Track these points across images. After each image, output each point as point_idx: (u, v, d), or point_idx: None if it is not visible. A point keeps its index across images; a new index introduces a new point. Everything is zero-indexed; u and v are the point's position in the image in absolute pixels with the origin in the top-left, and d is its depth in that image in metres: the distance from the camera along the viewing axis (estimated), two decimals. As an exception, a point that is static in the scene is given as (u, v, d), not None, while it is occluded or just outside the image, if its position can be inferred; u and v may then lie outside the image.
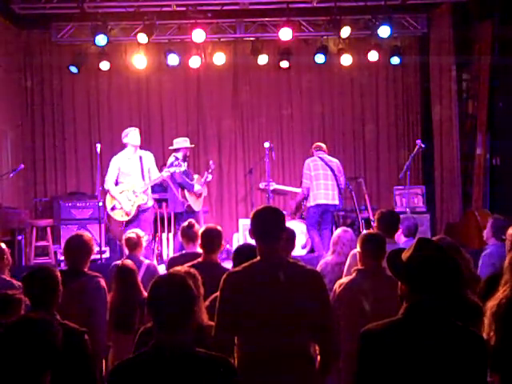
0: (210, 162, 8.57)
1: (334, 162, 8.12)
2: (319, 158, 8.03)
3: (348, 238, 4.98)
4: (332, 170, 7.95)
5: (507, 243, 4.05)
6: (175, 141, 8.14)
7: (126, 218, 7.40)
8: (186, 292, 2.33)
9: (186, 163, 8.07)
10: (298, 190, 8.67)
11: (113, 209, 7.42)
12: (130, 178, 7.42)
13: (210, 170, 8.35)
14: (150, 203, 7.56)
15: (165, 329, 2.30)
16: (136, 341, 2.98)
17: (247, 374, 2.75)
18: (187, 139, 8.24)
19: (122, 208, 7.36)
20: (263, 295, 2.79)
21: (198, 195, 8.06)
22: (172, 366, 2.25)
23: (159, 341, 2.30)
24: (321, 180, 7.87)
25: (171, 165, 7.74)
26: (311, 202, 7.93)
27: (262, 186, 8.72)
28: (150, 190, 7.57)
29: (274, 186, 8.68)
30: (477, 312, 2.86)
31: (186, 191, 7.88)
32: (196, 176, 8.25)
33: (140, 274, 4.79)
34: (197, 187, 7.97)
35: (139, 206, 7.35)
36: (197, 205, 8.02)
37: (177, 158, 7.92)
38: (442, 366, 2.14)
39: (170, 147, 8.17)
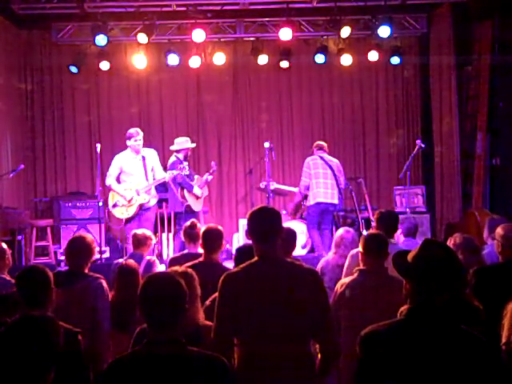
0: (212, 163, 8.53)
1: (334, 161, 8.11)
2: (319, 156, 8.02)
3: (350, 240, 4.98)
4: (332, 170, 7.94)
5: (496, 243, 4.06)
6: (176, 141, 8.13)
7: (126, 216, 7.42)
8: (174, 290, 2.35)
9: (187, 163, 8.07)
10: (296, 189, 8.65)
11: (114, 206, 7.44)
12: (132, 177, 7.45)
13: (211, 171, 8.31)
14: (153, 202, 7.56)
15: (155, 327, 2.33)
16: (132, 341, 2.99)
17: (247, 374, 2.76)
18: (188, 139, 8.22)
19: (123, 205, 7.37)
20: (261, 295, 2.80)
21: (198, 196, 8.04)
22: (164, 363, 2.27)
23: (151, 339, 2.32)
24: (320, 179, 7.85)
25: (173, 167, 7.71)
26: (311, 201, 7.90)
27: (262, 185, 8.71)
28: (153, 190, 7.58)
29: (274, 185, 8.66)
30: (477, 314, 2.86)
31: (185, 191, 7.89)
32: (196, 176, 8.22)
33: (140, 270, 4.81)
34: (196, 190, 7.91)
35: (141, 205, 7.36)
36: (196, 205, 8.00)
37: (178, 159, 7.92)
38: (443, 369, 2.14)
39: (171, 147, 8.16)
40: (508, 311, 2.67)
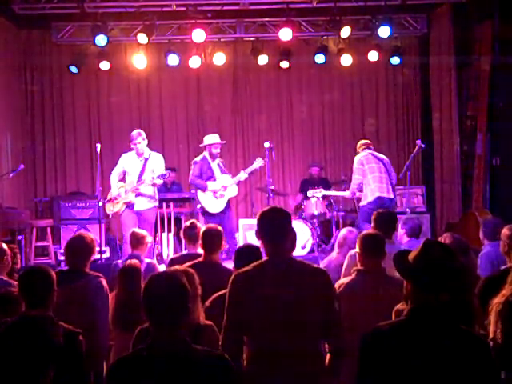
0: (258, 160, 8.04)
1: (384, 157, 7.75)
2: (369, 153, 7.64)
3: (353, 239, 4.95)
4: (384, 164, 7.55)
5: (502, 244, 4.06)
6: (204, 138, 8.01)
7: (111, 211, 7.48)
8: (178, 289, 2.35)
9: (215, 160, 7.85)
10: (346, 193, 7.94)
11: (108, 201, 7.52)
12: (129, 177, 7.48)
13: (249, 170, 7.98)
14: (148, 205, 7.45)
15: (159, 326, 2.32)
16: (133, 339, 2.99)
17: (256, 372, 2.77)
18: (216, 136, 8.00)
19: (111, 200, 7.42)
20: (272, 295, 2.79)
21: (219, 196, 7.72)
22: (168, 362, 2.26)
23: (155, 338, 2.32)
24: (376, 173, 7.42)
25: (195, 164, 7.75)
26: (368, 198, 7.33)
27: (310, 194, 8.34)
28: (151, 192, 7.48)
29: (322, 192, 8.23)
30: (478, 315, 2.86)
31: (198, 191, 7.75)
32: (225, 176, 7.85)
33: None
34: (212, 186, 7.68)
35: (127, 204, 7.35)
36: (213, 206, 7.70)
37: (204, 157, 7.83)
38: (444, 369, 2.14)
39: (200, 145, 8.09)
40: (493, 306, 2.68)
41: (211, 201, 7.74)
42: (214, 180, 7.78)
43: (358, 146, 7.80)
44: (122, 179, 7.55)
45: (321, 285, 2.87)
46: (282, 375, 2.74)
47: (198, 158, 7.91)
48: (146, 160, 7.47)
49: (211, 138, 7.94)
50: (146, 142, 7.48)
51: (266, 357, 2.77)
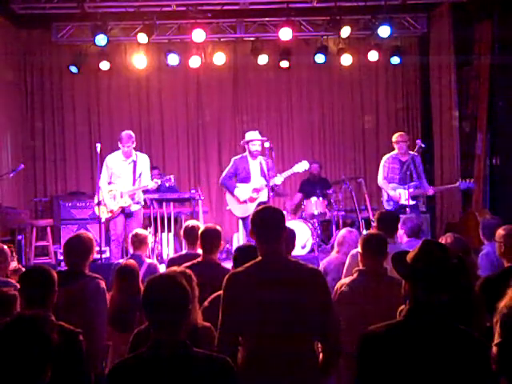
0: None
1: None
2: None
3: (353, 239, 4.96)
4: None
5: (497, 245, 4.05)
6: (245, 135, 7.72)
7: (106, 215, 7.37)
8: (178, 292, 2.34)
9: (256, 159, 7.47)
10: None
11: (99, 203, 7.32)
12: (120, 180, 7.37)
13: (288, 174, 7.46)
14: (138, 206, 7.43)
15: (159, 329, 2.31)
16: (131, 341, 2.99)
17: (251, 373, 2.76)
18: (255, 132, 7.64)
19: (105, 205, 7.33)
20: (266, 295, 2.79)
21: (249, 200, 7.42)
22: (169, 365, 2.25)
23: (156, 341, 2.31)
24: None
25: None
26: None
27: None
28: (141, 195, 7.45)
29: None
30: (478, 315, 2.85)
31: (227, 193, 7.60)
32: (262, 178, 7.43)
33: (141, 273, 4.80)
34: (237, 192, 7.43)
35: (121, 208, 7.29)
36: (238, 209, 7.50)
37: (243, 156, 7.50)
38: (442, 370, 2.14)
39: (241, 142, 7.89)
40: (501, 309, 2.67)
41: (235, 203, 7.53)
42: (249, 181, 7.46)
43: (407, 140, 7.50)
44: (109, 182, 7.43)
45: (316, 285, 2.86)
46: (276, 375, 2.74)
47: (237, 156, 7.64)
48: (135, 162, 7.35)
49: (249, 135, 7.54)
50: (134, 144, 7.34)
51: (261, 357, 2.76)
